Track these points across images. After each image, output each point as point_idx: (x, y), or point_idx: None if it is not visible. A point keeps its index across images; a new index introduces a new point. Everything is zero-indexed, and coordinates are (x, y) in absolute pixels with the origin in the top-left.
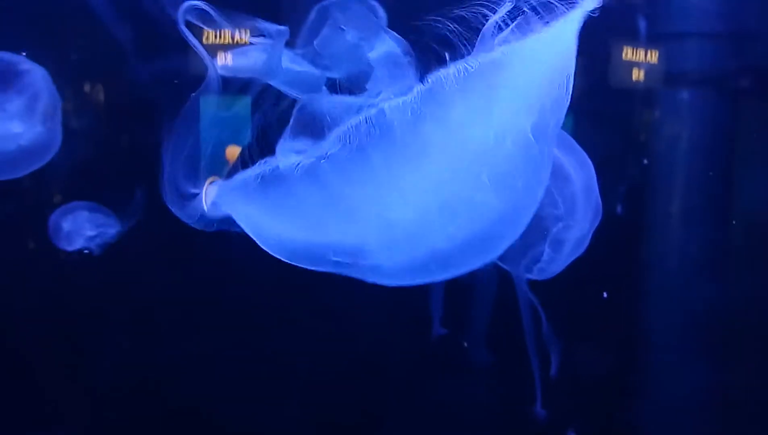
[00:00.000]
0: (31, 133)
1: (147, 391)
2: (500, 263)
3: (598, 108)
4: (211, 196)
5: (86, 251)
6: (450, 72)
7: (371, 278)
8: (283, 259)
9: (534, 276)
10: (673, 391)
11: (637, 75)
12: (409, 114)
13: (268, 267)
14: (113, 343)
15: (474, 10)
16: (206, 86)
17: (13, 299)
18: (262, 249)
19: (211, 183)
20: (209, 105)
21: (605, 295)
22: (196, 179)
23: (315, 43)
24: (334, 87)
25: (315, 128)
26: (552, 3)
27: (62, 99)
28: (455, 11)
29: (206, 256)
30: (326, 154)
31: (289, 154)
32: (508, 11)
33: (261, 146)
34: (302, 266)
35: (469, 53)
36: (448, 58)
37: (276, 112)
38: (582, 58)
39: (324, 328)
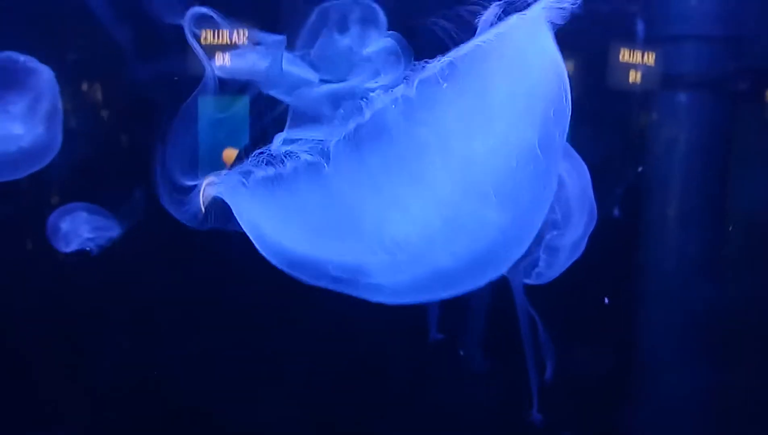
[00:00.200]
0: (32, 135)
1: (146, 391)
2: None
3: (596, 110)
4: (210, 194)
5: (89, 249)
6: (435, 68)
7: (372, 297)
8: (283, 269)
9: (532, 281)
10: (671, 395)
11: (635, 77)
12: (402, 116)
13: (266, 268)
14: (113, 343)
15: (473, 10)
16: (204, 87)
17: (12, 299)
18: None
19: (208, 182)
20: (207, 105)
21: (606, 300)
22: (193, 178)
23: (314, 47)
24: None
25: (312, 118)
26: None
27: (62, 100)
28: (455, 11)
29: (206, 256)
30: (326, 148)
31: (287, 144)
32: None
33: (260, 147)
34: (301, 279)
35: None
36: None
37: (274, 113)
38: (579, 61)
39: (322, 330)
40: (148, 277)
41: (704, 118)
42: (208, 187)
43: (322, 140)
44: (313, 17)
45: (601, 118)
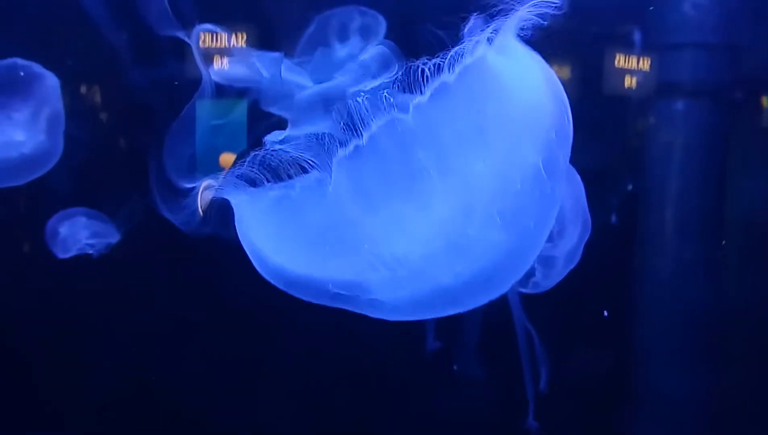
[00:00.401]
0: (34, 142)
1: (145, 394)
2: None
3: (594, 118)
4: (208, 197)
5: (90, 252)
6: (427, 92)
7: (372, 313)
8: (281, 288)
9: (529, 290)
10: (668, 402)
11: (632, 85)
12: (398, 139)
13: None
14: (111, 347)
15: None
16: (202, 92)
17: (12, 303)
18: None
19: (205, 187)
20: (205, 110)
21: (606, 313)
22: (191, 182)
23: (314, 55)
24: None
25: (307, 117)
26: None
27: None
28: (451, 19)
29: (204, 260)
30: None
31: (283, 143)
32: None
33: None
34: (300, 298)
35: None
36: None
37: (272, 118)
38: (577, 68)
39: (319, 336)
40: (146, 281)
41: (701, 126)
42: (206, 191)
43: (319, 155)
44: (313, 26)
45: (598, 126)
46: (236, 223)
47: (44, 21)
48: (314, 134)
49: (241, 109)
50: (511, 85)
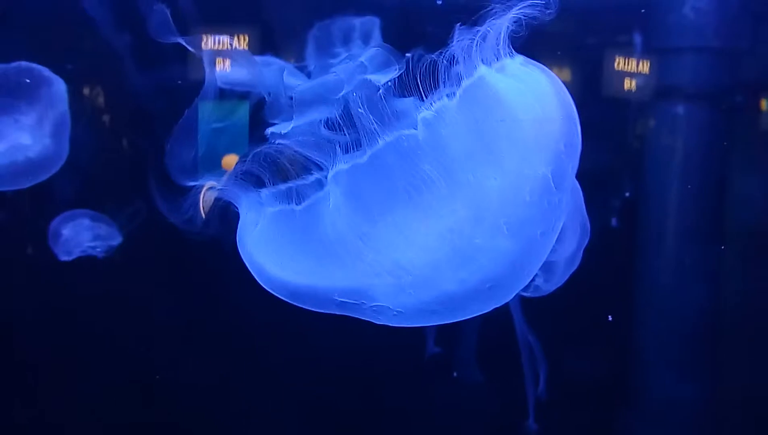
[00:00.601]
0: (40, 146)
1: (147, 397)
2: None
3: (594, 122)
4: (210, 199)
5: (93, 254)
6: (433, 108)
7: (376, 319)
8: (286, 299)
9: (530, 294)
10: (667, 405)
11: (632, 89)
12: (405, 153)
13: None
14: (113, 349)
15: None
16: (205, 93)
17: (16, 304)
18: None
19: (208, 189)
20: (208, 112)
21: (610, 318)
22: (194, 183)
23: (316, 61)
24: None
25: (313, 106)
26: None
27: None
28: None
29: (205, 264)
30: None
31: (284, 137)
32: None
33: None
34: (306, 308)
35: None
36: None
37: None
38: (578, 73)
39: (319, 341)
40: (148, 284)
41: (701, 129)
42: (208, 193)
43: (324, 156)
44: (315, 32)
45: (598, 129)
46: (238, 241)
47: (49, 25)
48: (318, 136)
49: (243, 112)
50: (516, 100)
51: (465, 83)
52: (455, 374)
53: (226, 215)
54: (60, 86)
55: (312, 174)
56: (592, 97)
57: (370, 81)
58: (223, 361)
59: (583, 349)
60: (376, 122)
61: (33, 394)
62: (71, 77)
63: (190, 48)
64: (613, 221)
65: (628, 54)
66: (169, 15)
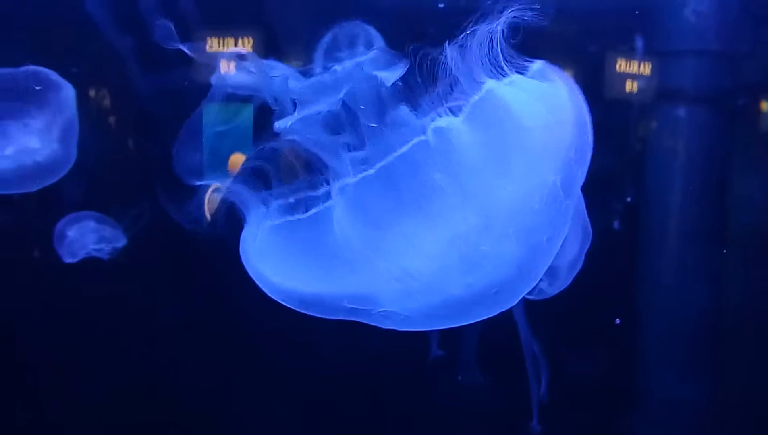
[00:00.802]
0: (48, 150)
1: (151, 398)
2: None
3: (596, 124)
4: (216, 200)
5: (99, 255)
6: (444, 117)
7: (383, 324)
8: (294, 308)
9: (534, 297)
10: (670, 406)
11: (634, 92)
12: (416, 161)
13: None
14: (117, 350)
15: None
16: (210, 96)
17: (19, 305)
18: None
19: (213, 190)
20: (212, 114)
21: (618, 321)
22: (198, 186)
23: (320, 66)
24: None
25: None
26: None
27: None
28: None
29: (210, 265)
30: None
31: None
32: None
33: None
34: (314, 315)
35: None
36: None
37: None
38: (579, 75)
39: (322, 344)
40: (153, 285)
41: (702, 131)
42: (214, 194)
43: (331, 157)
44: (323, 39)
45: (600, 132)
46: (242, 254)
47: (53, 27)
48: (323, 136)
49: (247, 114)
50: (526, 109)
51: (475, 93)
52: (459, 378)
53: (231, 216)
54: (69, 91)
55: (317, 174)
56: (594, 100)
57: (376, 83)
58: (227, 363)
59: (586, 351)
60: (383, 128)
61: (36, 394)
62: (76, 80)
63: (194, 56)
64: (615, 223)
65: (629, 57)
66: (173, 28)
